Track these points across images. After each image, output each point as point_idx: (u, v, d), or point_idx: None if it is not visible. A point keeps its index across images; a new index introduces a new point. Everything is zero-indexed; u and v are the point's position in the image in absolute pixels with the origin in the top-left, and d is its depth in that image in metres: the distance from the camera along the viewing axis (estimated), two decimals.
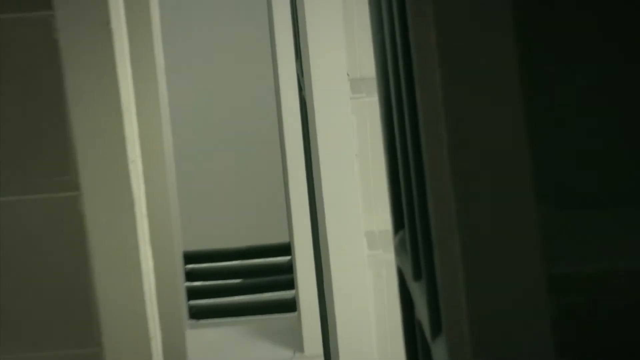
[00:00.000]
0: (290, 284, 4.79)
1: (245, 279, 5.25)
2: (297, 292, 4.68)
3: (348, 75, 3.31)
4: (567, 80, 1.39)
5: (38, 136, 2.54)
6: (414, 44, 1.41)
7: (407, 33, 1.48)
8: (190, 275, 5.05)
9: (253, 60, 5.58)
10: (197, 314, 4.93)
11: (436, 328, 1.54)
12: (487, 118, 1.30)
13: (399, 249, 2.04)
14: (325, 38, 3.36)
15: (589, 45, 1.39)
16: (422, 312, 1.73)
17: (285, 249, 4.89)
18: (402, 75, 1.68)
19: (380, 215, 2.86)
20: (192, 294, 4.98)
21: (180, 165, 4.90)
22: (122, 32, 2.55)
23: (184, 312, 4.74)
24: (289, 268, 4.82)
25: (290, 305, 4.80)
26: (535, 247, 1.29)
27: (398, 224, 2.03)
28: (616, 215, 1.39)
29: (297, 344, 4.61)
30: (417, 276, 1.75)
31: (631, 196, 1.40)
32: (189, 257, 5.05)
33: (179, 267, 4.75)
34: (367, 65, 2.74)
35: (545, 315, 1.28)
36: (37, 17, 2.44)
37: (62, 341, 2.63)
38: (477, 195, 1.27)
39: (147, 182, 2.87)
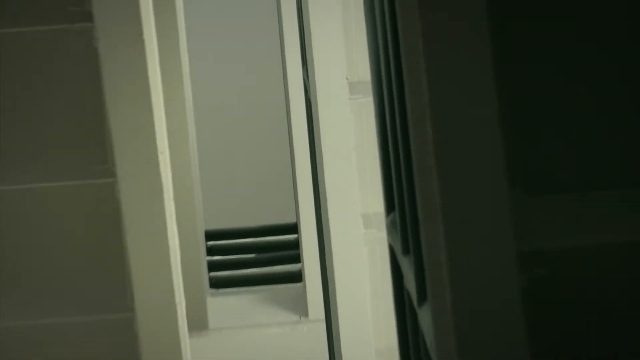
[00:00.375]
0: (297, 259, 4.77)
1: (258, 254, 5.24)
2: (302, 266, 4.66)
3: (347, 79, 3.30)
4: (536, 82, 1.39)
5: (81, 131, 2.54)
6: (404, 53, 1.41)
7: (398, 43, 1.48)
8: (210, 251, 5.04)
9: (265, 66, 5.57)
10: (216, 283, 4.92)
11: (422, 296, 1.54)
12: (466, 116, 1.31)
13: (390, 228, 2.04)
14: (327, 47, 3.35)
15: (553, 47, 1.39)
16: (410, 283, 1.73)
17: (293, 228, 4.88)
18: (393, 79, 1.68)
19: (374, 199, 2.85)
20: (212, 266, 4.97)
21: (202, 155, 4.88)
22: (152, 41, 2.55)
23: (205, 282, 4.73)
24: (296, 244, 4.81)
25: (297, 277, 4.79)
26: (507, 226, 1.29)
27: (389, 207, 2.03)
28: (578, 199, 1.39)
29: (302, 309, 4.60)
30: (405, 251, 1.76)
31: (592, 183, 1.40)
32: (210, 235, 5.04)
33: (201, 244, 4.74)
34: (364, 70, 2.73)
35: (515, 285, 1.29)
36: (81, 28, 2.43)
37: (100, 308, 2.62)
38: (457, 183, 1.28)
39: (173, 170, 2.87)
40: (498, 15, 1.32)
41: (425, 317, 1.51)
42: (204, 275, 4.73)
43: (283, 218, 5.16)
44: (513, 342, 1.26)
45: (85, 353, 2.66)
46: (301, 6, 3.57)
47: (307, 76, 3.52)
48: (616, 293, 1.35)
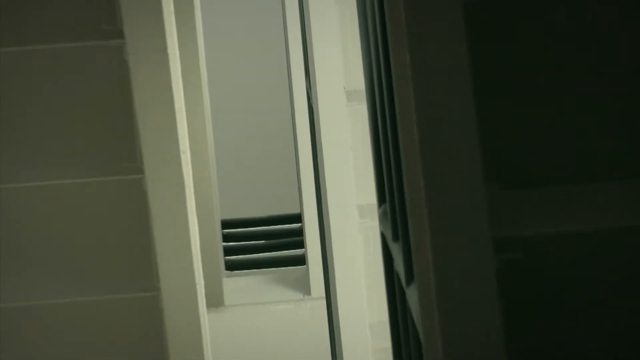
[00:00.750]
0: (301, 244, 4.77)
1: (267, 240, 5.24)
2: (305, 251, 4.66)
3: (344, 88, 3.30)
4: (507, 91, 1.39)
5: (113, 134, 2.54)
6: (393, 66, 1.41)
7: (389, 58, 1.48)
8: (226, 237, 5.03)
9: (273, 76, 5.56)
10: (231, 266, 4.91)
11: (409, 277, 1.54)
12: (447, 121, 1.30)
13: (382, 218, 2.04)
14: (326, 61, 3.34)
15: (527, 54, 1.39)
16: (399, 265, 1.73)
17: (297, 218, 4.87)
18: (384, 89, 1.68)
19: (368, 192, 2.85)
20: (227, 251, 4.96)
21: (219, 154, 4.88)
22: (175, 54, 2.55)
23: (221, 265, 4.72)
24: (300, 232, 4.80)
25: (301, 260, 4.78)
26: (483, 216, 1.29)
27: (381, 199, 2.03)
28: (546, 192, 1.39)
29: (305, 289, 4.59)
30: (395, 238, 1.76)
31: (558, 178, 1.40)
32: (225, 224, 5.03)
33: (217, 231, 4.73)
34: (359, 81, 2.73)
35: (490, 267, 1.29)
36: (114, 45, 2.43)
37: (130, 288, 2.62)
38: (440, 178, 1.28)
39: (193, 167, 2.86)
40: (474, 30, 1.32)
41: (412, 295, 1.51)
42: (220, 259, 4.72)
43: (289, 209, 5.15)
44: (489, 316, 1.26)
45: (118, 327, 2.66)
46: (304, 25, 3.57)
47: (310, 86, 3.51)
48: (580, 274, 1.35)
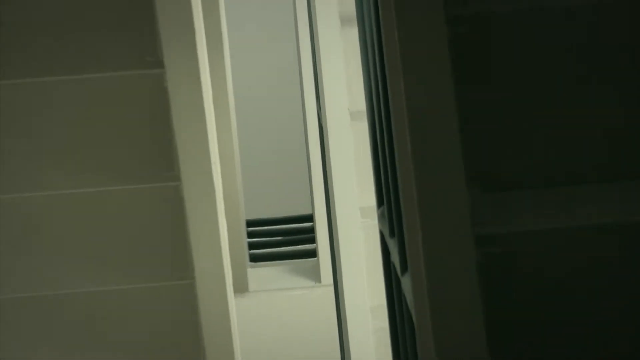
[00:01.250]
0: (312, 240, 4.77)
1: (284, 237, 5.24)
2: (316, 245, 4.65)
3: (348, 109, 3.30)
4: (487, 113, 1.39)
5: (154, 148, 2.53)
6: (390, 92, 1.41)
7: (386, 84, 1.48)
8: (250, 234, 5.03)
9: (289, 98, 5.56)
10: (254, 259, 4.91)
11: (404, 267, 1.54)
12: (435, 137, 1.30)
13: (380, 218, 2.04)
14: (333, 87, 3.34)
15: (505, 69, 1.38)
16: (395, 257, 1.73)
17: (309, 218, 4.87)
18: (382, 110, 1.68)
19: (369, 196, 2.84)
20: (251, 246, 4.96)
21: (244, 165, 4.88)
22: (207, 81, 2.55)
23: (246, 257, 4.72)
24: (312, 230, 4.80)
25: (312, 253, 4.78)
26: (466, 216, 1.29)
27: (380, 202, 2.03)
28: (521, 195, 1.38)
29: (316, 277, 4.59)
30: (392, 234, 1.75)
31: (531, 183, 1.39)
32: (249, 223, 5.03)
33: (243, 229, 4.73)
34: (361, 103, 2.73)
35: (473, 259, 1.28)
36: (155, 73, 2.43)
37: (169, 276, 2.63)
38: (429, 184, 1.28)
39: (223, 176, 2.86)
40: (457, 65, 1.32)
41: (406, 283, 1.51)
42: (245, 252, 4.72)
43: (302, 210, 5.15)
44: (472, 301, 1.26)
45: (159, 309, 2.65)
46: (315, 56, 3.57)
47: (319, 107, 3.51)
48: (551, 266, 1.35)
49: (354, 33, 3.03)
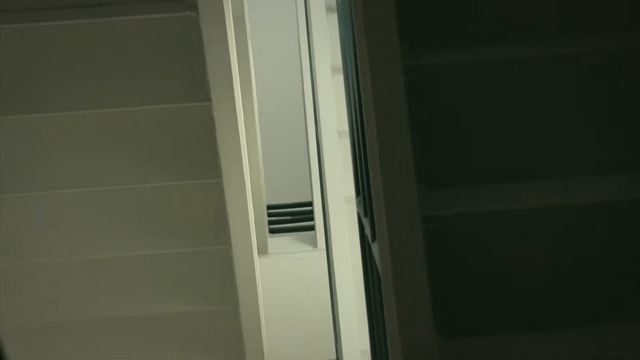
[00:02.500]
0: (312, 219, 4.74)
1: (292, 216, 5.20)
2: (314, 222, 4.63)
3: (337, 131, 3.29)
4: (432, 129, 1.38)
5: (205, 157, 2.49)
6: (365, 118, 1.40)
7: (362, 114, 1.47)
8: (269, 215, 5.00)
9: (293, 121, 5.50)
10: (272, 231, 4.87)
11: (373, 237, 1.53)
12: (393, 148, 1.29)
13: (358, 203, 2.03)
14: (327, 114, 3.34)
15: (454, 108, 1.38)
16: (367, 231, 1.72)
17: (309, 204, 4.85)
18: (359, 130, 1.67)
19: (350, 189, 2.83)
20: (270, 222, 4.93)
21: (265, 164, 4.84)
22: (240, 109, 2.53)
23: (267, 230, 4.69)
24: (311, 212, 4.77)
25: (312, 227, 4.74)
26: (416, 203, 1.28)
27: (358, 192, 2.02)
28: (457, 191, 1.38)
29: (314, 244, 4.57)
30: (365, 215, 1.75)
31: (467, 180, 1.39)
32: (269, 207, 4.99)
33: (264, 210, 4.71)
34: (344, 125, 2.73)
35: (420, 232, 1.28)
36: (205, 105, 2.39)
37: (213, 243, 2.58)
38: (390, 181, 1.27)
39: (250, 169, 2.85)
40: (409, 92, 1.31)
41: (375, 248, 1.51)
42: (266, 226, 4.70)
43: (305, 198, 5.10)
44: (419, 260, 1.25)
45: (205, 269, 2.62)
46: (313, 90, 3.56)
47: (317, 128, 3.49)
48: (473, 236, 1.34)
49: (340, 79, 3.03)
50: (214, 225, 2.57)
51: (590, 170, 1.38)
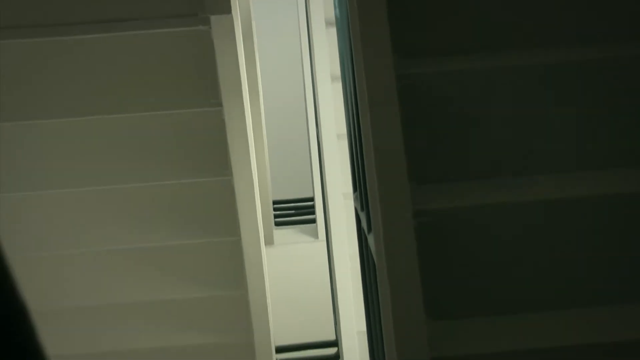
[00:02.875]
0: (313, 213, 4.74)
1: (295, 210, 5.21)
2: (316, 217, 4.64)
3: (336, 134, 3.30)
4: (420, 133, 1.38)
5: (217, 154, 2.47)
6: (362, 122, 1.40)
7: (359, 118, 1.47)
8: (274, 209, 5.00)
9: (296, 124, 5.49)
10: (277, 223, 4.88)
11: (369, 229, 1.53)
12: (387, 148, 1.29)
13: (355, 199, 2.03)
14: (327, 119, 3.35)
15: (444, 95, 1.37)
16: (364, 223, 1.72)
17: (311, 199, 4.85)
18: (356, 132, 1.67)
19: (348, 186, 2.84)
20: (275, 216, 4.93)
21: (271, 162, 4.84)
22: (248, 112, 2.52)
23: (272, 222, 4.70)
24: (313, 206, 4.78)
25: (313, 221, 4.75)
26: (408, 198, 1.28)
27: (355, 189, 2.02)
28: (444, 186, 1.38)
29: (315, 235, 4.58)
30: (362, 209, 1.75)
31: (450, 177, 1.39)
32: (274, 202, 4.99)
33: (270, 205, 4.71)
34: (343, 128, 2.73)
35: (412, 225, 1.28)
36: (217, 110, 2.38)
37: (223, 234, 2.57)
38: (385, 178, 1.27)
39: (257, 166, 2.84)
40: (402, 97, 1.31)
41: (370, 239, 1.51)
42: (272, 218, 4.71)
43: (306, 194, 5.11)
44: (410, 250, 1.25)
45: (215, 257, 2.62)
46: (315, 99, 3.57)
47: (318, 132, 3.50)
48: (458, 228, 1.34)
49: (339, 86, 3.04)
50: (225, 218, 2.56)
51: (578, 166, 1.37)
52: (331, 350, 3.67)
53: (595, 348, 1.27)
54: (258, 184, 2.69)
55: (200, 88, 2.36)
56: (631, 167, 1.36)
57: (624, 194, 1.33)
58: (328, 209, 3.30)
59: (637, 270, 1.31)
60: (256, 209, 2.55)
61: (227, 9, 2.17)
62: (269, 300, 2.73)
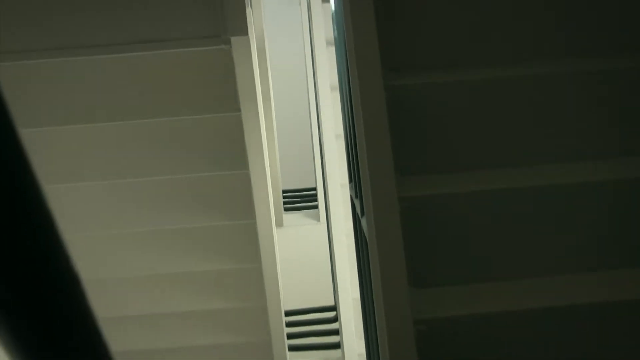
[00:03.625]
0: (315, 200, 4.74)
1: (301, 198, 5.20)
2: (318, 203, 4.64)
3: (335, 134, 3.29)
4: (406, 129, 1.37)
5: (236, 151, 2.46)
6: (356, 124, 1.40)
7: (353, 120, 1.47)
8: (284, 197, 4.99)
9: (301, 128, 5.46)
10: (286, 209, 4.88)
11: (362, 213, 1.53)
12: (377, 146, 1.29)
13: (351, 188, 2.02)
14: (327, 121, 3.34)
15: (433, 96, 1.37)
16: (357, 209, 1.72)
17: (314, 189, 4.85)
18: (351, 134, 1.67)
19: (345, 177, 2.84)
20: (284, 202, 4.93)
21: (281, 157, 4.82)
22: (262, 114, 2.50)
23: (282, 207, 4.70)
24: (315, 195, 4.78)
25: (315, 207, 4.74)
26: (394, 186, 1.28)
27: (350, 179, 2.01)
28: (421, 179, 1.37)
29: (317, 219, 4.57)
30: (356, 196, 1.74)
31: (432, 169, 1.38)
32: (284, 191, 4.99)
33: (280, 193, 4.71)
34: (340, 129, 2.72)
35: (397, 210, 1.27)
36: (237, 114, 2.36)
37: (242, 218, 2.54)
38: (375, 170, 1.27)
39: (270, 160, 2.85)
40: (388, 105, 1.31)
41: (363, 221, 1.51)
42: (282, 205, 4.70)
43: (310, 184, 5.10)
44: (396, 231, 1.24)
45: (236, 239, 2.61)
46: (317, 105, 3.56)
47: (319, 132, 3.49)
48: (438, 212, 1.33)
49: (337, 94, 3.03)
50: (243, 205, 2.55)
51: (557, 158, 1.35)
52: (330, 314, 3.68)
53: (554, 311, 1.26)
54: (270, 176, 2.69)
55: (222, 96, 2.36)
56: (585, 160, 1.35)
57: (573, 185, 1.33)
58: (328, 197, 3.30)
59: (594, 243, 1.30)
60: (268, 197, 2.54)
61: (244, 32, 2.17)
62: (279, 272, 2.72)
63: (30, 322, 0.42)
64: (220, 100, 2.36)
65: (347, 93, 1.67)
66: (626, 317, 1.24)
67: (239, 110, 2.34)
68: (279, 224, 4.39)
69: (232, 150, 2.44)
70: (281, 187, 4.73)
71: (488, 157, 1.38)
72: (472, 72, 1.37)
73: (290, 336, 3.23)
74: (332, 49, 3.26)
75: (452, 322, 1.23)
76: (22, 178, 0.40)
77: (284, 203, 4.88)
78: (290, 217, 4.69)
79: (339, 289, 3.26)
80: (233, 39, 2.18)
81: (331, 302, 3.70)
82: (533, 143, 1.36)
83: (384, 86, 1.29)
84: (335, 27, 2.15)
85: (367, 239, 1.40)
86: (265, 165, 2.49)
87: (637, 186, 1.32)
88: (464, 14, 1.37)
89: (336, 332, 3.31)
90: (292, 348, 3.19)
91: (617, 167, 1.34)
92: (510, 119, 1.37)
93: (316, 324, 3.53)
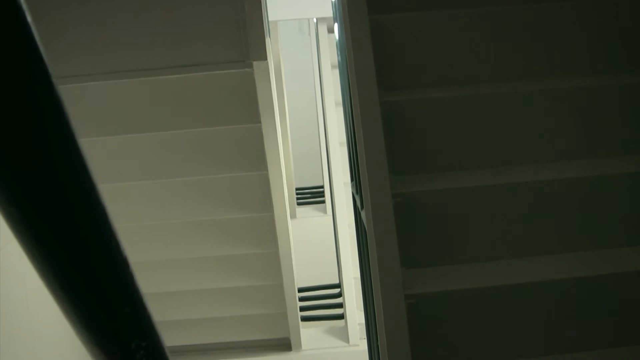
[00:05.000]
0: (323, 196, 4.71)
1: (311, 194, 5.18)
2: (325, 198, 4.62)
3: (339, 141, 3.28)
4: (400, 139, 1.36)
5: (256, 156, 2.42)
6: (356, 133, 1.39)
7: (354, 129, 1.46)
8: (297, 193, 4.97)
9: (310, 136, 5.43)
10: (299, 204, 4.86)
11: (362, 207, 1.51)
12: (374, 153, 1.28)
13: (352, 186, 2.01)
14: (332, 130, 3.33)
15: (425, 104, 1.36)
16: (358, 203, 1.71)
17: (322, 187, 4.82)
18: (353, 140, 1.66)
19: (347, 176, 2.82)
20: (297, 198, 4.90)
21: (294, 160, 4.79)
22: (278, 127, 2.48)
23: (295, 202, 4.68)
24: (322, 192, 4.75)
25: (323, 202, 4.72)
26: (387, 185, 1.27)
27: (352, 179, 2.00)
28: (416, 177, 1.36)
29: (325, 212, 4.55)
30: (357, 192, 1.73)
31: (421, 169, 1.37)
32: (297, 188, 4.96)
33: (293, 190, 4.69)
34: (343, 137, 2.71)
35: (390, 203, 1.26)
36: (257, 126, 2.34)
37: (260, 211, 2.51)
38: (372, 171, 1.27)
39: (285, 162, 2.84)
40: (383, 116, 1.30)
41: (363, 214, 1.50)
42: (295, 200, 4.69)
43: (318, 182, 5.08)
44: (390, 219, 1.23)
45: (256, 229, 2.60)
46: (324, 117, 3.54)
47: (326, 140, 3.47)
48: (428, 203, 1.32)
49: (340, 109, 3.02)
50: (263, 200, 2.53)
51: (542, 159, 1.33)
52: (335, 290, 3.67)
53: (524, 287, 1.24)
54: (285, 176, 2.69)
55: (244, 111, 2.35)
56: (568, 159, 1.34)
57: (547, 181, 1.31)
58: (333, 193, 3.29)
59: (568, 225, 1.28)
60: (284, 193, 2.54)
61: (264, 57, 2.18)
62: (293, 256, 2.73)
63: (92, 296, 0.47)
64: (244, 114, 2.36)
65: (349, 107, 1.67)
66: (592, 293, 1.23)
67: (259, 122, 2.34)
68: (293, 216, 4.38)
69: (253, 155, 2.43)
70: (294, 185, 4.72)
71: (466, 160, 1.37)
72: (451, 89, 1.37)
73: (302, 309, 3.24)
74: (337, 71, 3.26)
75: (437, 296, 1.23)
76: (87, 181, 0.44)
77: (297, 198, 4.86)
78: (302, 210, 4.68)
79: (343, 270, 3.26)
80: (255, 63, 2.19)
81: (336, 281, 3.70)
82: (501, 148, 1.35)
83: (380, 102, 1.29)
84: (339, 53, 2.15)
85: (366, 228, 1.40)
86: (281, 167, 2.48)
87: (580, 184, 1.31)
88: (441, 46, 1.37)
89: (340, 305, 3.31)
90: (304, 319, 3.19)
91: (574, 168, 1.33)
92: (484, 128, 1.36)
93: (323, 299, 3.53)
